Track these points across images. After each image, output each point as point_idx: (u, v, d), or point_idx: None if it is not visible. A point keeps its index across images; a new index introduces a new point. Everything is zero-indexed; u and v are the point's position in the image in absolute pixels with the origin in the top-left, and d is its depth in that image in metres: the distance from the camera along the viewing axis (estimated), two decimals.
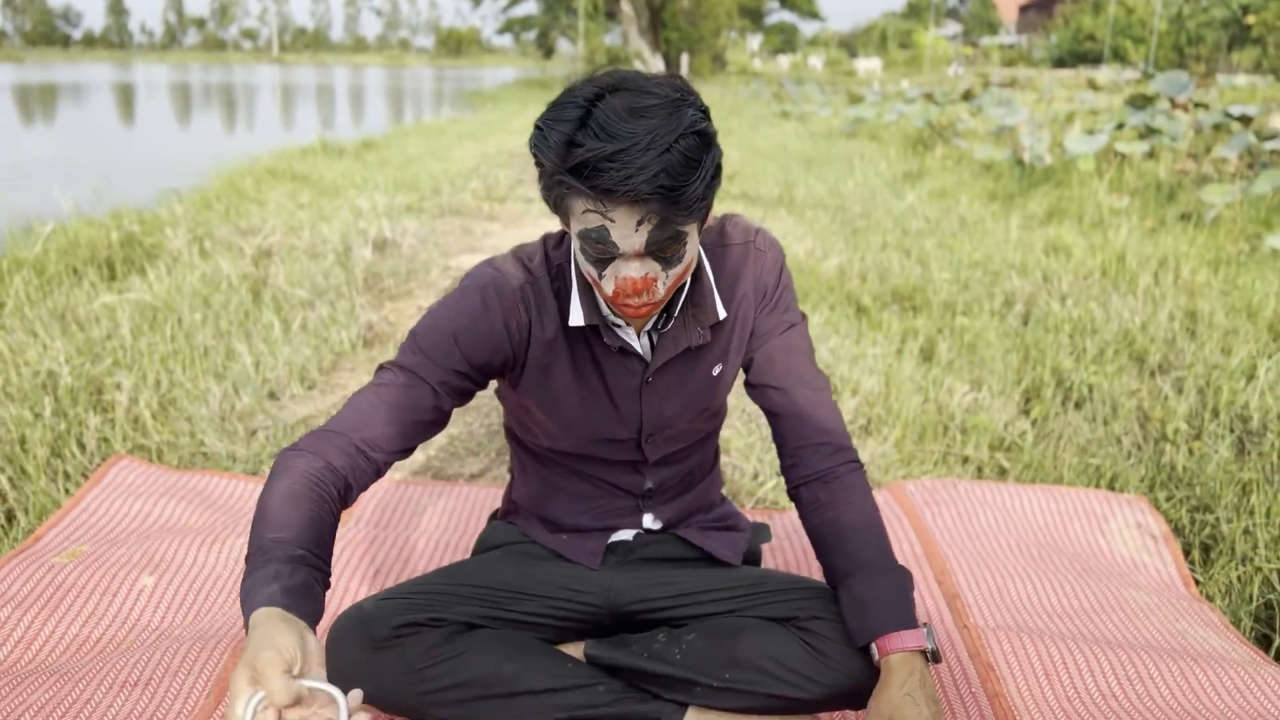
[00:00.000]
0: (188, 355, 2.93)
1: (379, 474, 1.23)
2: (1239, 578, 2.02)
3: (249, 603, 1.01)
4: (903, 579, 1.28)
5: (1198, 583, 2.00)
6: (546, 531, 1.44)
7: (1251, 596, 1.96)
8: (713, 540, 1.46)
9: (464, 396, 1.29)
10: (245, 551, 1.39)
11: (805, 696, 1.29)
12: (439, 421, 1.28)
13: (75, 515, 1.99)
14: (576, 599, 1.38)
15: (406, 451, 1.25)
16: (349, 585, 1.79)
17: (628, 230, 1.10)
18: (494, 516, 1.56)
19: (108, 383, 2.69)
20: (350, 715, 0.92)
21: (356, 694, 0.95)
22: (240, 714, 0.87)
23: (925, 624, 1.24)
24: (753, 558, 1.55)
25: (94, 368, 2.77)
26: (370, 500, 2.12)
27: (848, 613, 1.28)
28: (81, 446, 2.37)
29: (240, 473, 2.30)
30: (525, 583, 1.37)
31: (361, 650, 1.26)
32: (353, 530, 1.97)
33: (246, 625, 0.99)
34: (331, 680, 1.24)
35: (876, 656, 1.23)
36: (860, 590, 1.27)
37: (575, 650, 1.39)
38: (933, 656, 1.23)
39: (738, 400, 2.81)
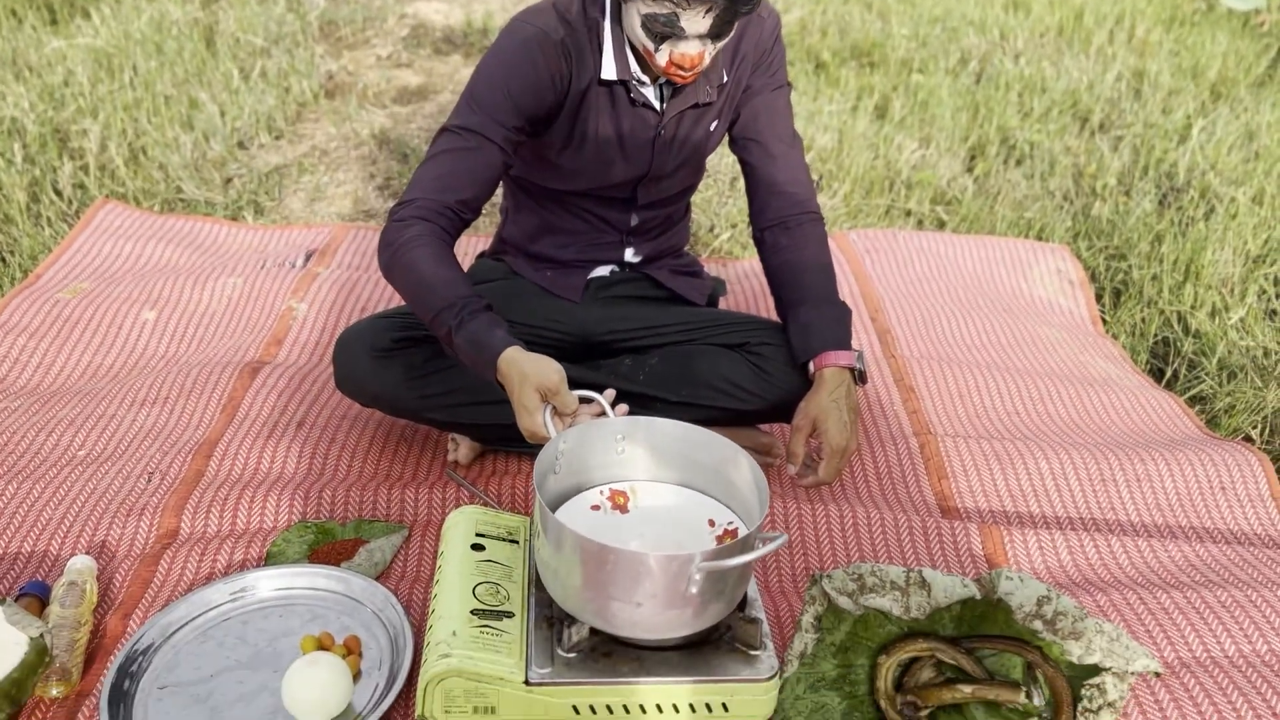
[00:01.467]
0: (150, 104, 2.94)
1: (463, 229, 1.38)
2: (1142, 318, 2.25)
3: (487, 345, 1.24)
4: (843, 311, 1.46)
5: (1105, 322, 2.23)
6: (533, 269, 1.59)
7: (1151, 334, 2.19)
8: (679, 282, 1.63)
9: (520, 148, 1.42)
10: (388, 308, 1.65)
11: (749, 409, 1.50)
12: (504, 173, 1.41)
13: (70, 256, 2.10)
14: (555, 328, 1.55)
15: (481, 207, 1.39)
16: (338, 320, 1.94)
17: (695, 17, 1.23)
18: (482, 256, 1.70)
19: (73, 130, 2.72)
20: (614, 408, 1.22)
21: (610, 393, 1.24)
22: (543, 421, 1.19)
23: (858, 350, 1.43)
24: (711, 302, 1.72)
25: (58, 115, 2.79)
26: (352, 245, 2.25)
27: (792, 334, 1.46)
28: (58, 193, 2.44)
29: (222, 218, 2.40)
30: (510, 312, 1.53)
31: (367, 358, 1.43)
32: (336, 272, 2.11)
33: (488, 362, 1.23)
34: (341, 383, 1.42)
35: (812, 371, 1.43)
36: (805, 316, 1.46)
37: None
38: (859, 377, 1.43)
39: None
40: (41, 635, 1.11)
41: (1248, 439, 1.83)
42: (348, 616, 1.20)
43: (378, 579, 1.28)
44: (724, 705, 1.06)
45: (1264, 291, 2.34)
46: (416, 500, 1.41)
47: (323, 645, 1.15)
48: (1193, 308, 2.26)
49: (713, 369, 1.50)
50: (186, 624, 1.19)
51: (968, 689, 1.10)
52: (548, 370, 1.20)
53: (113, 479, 1.46)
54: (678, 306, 1.63)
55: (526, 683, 1.03)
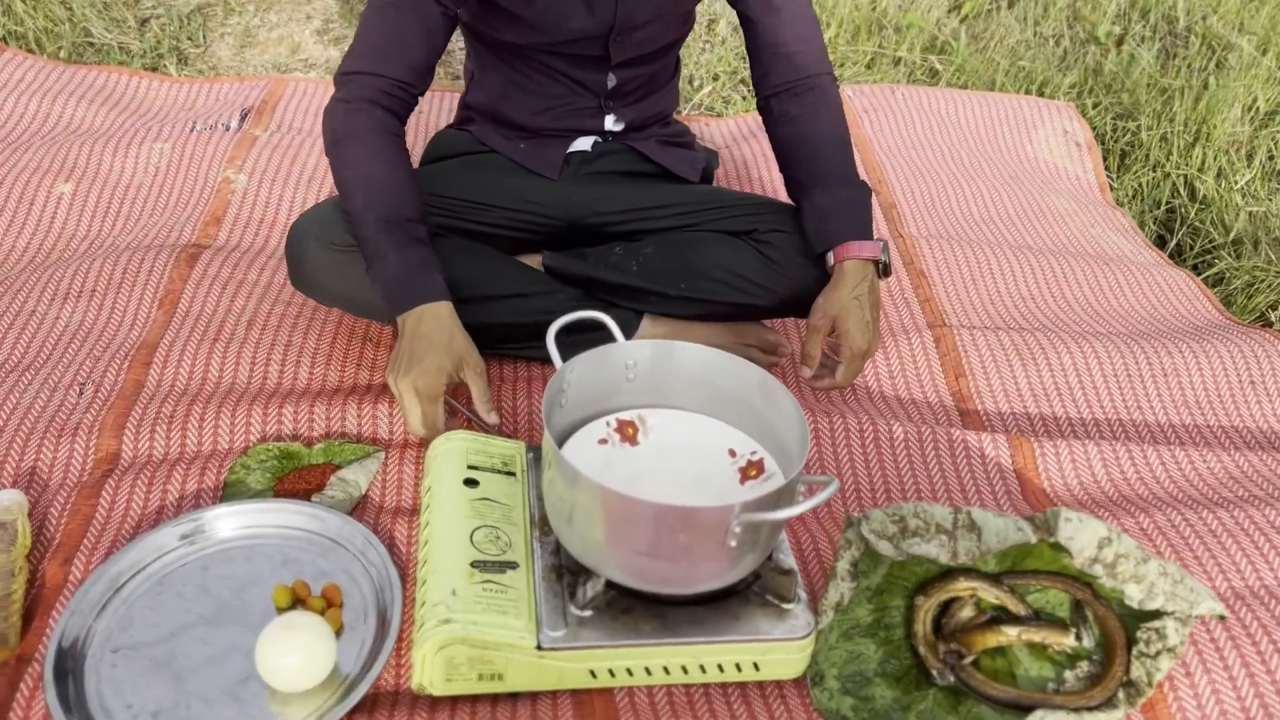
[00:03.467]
0: None
1: (413, 108, 1.26)
2: (1149, 182, 2.12)
3: (416, 288, 1.16)
4: (864, 193, 1.30)
5: (1112, 188, 2.09)
6: (504, 139, 1.40)
7: (1159, 201, 2.07)
8: (669, 155, 1.44)
9: (463, 4, 1.25)
10: (317, 203, 1.40)
11: (757, 303, 1.35)
12: (452, 26, 1.26)
13: None
14: (535, 211, 1.37)
15: (433, 68, 1.26)
16: (282, 193, 1.73)
17: None
18: (447, 128, 1.49)
19: None
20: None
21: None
22: (439, 413, 1.15)
23: (881, 240, 1.28)
24: (706, 179, 1.54)
25: None
26: (291, 102, 2.00)
27: (808, 221, 1.31)
28: None
29: (140, 69, 2.12)
30: (484, 193, 1.35)
31: (323, 252, 1.25)
32: (276, 135, 1.88)
33: (402, 305, 1.16)
34: (297, 281, 1.25)
35: (831, 263, 1.28)
36: (822, 200, 1.30)
37: (532, 262, 1.41)
38: (884, 270, 1.28)
39: None
40: None
41: (1266, 323, 1.73)
42: (324, 559, 1.07)
43: (352, 513, 1.14)
44: (755, 665, 0.95)
45: (1272, 155, 2.22)
46: (392, 416, 1.25)
47: (298, 596, 1.02)
48: (1200, 170, 2.13)
49: (715, 260, 1.35)
50: (138, 573, 1.05)
51: (1013, 631, 1.01)
52: (475, 353, 1.17)
53: (38, 391, 1.28)
54: (671, 185, 1.45)
55: (539, 648, 0.91)
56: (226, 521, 1.09)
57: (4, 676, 0.96)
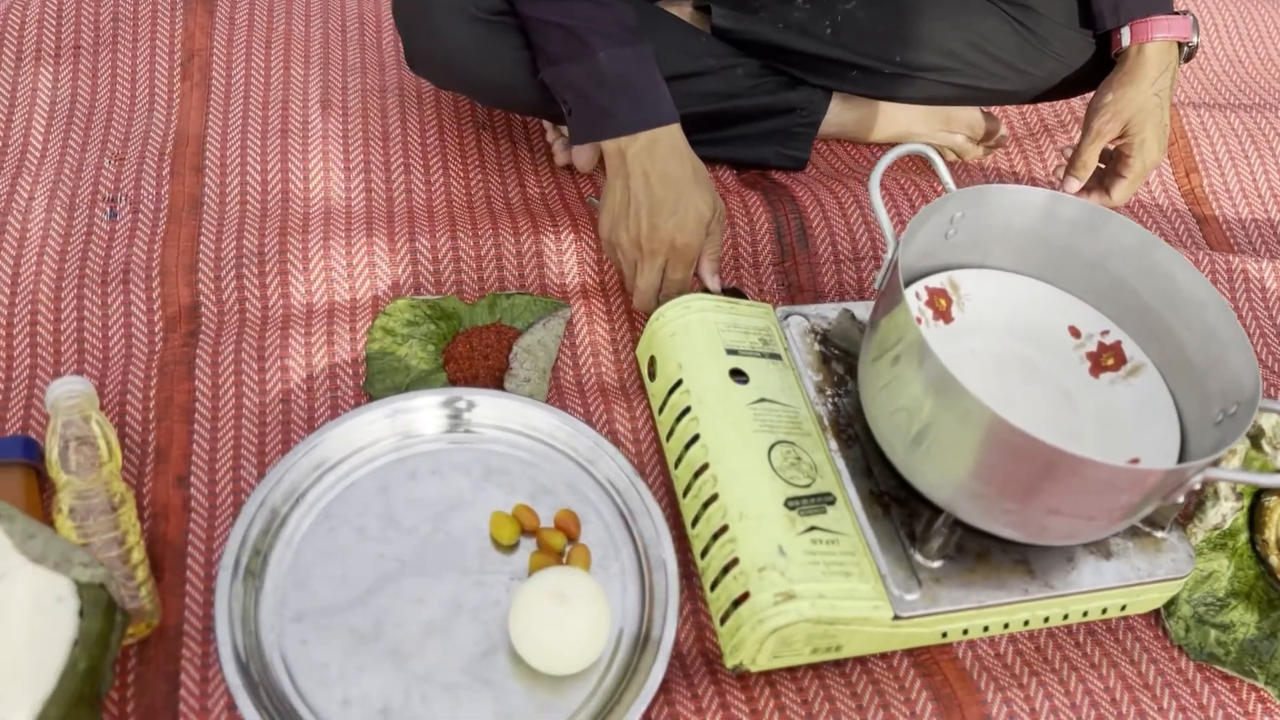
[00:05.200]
0: None
1: None
2: None
3: (643, 102, 0.84)
4: None
5: None
6: None
7: None
8: None
9: None
10: None
11: (1001, 89, 1.06)
12: None
13: None
14: None
15: None
16: None
17: None
18: None
19: None
20: None
21: None
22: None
23: (1189, 13, 0.99)
24: None
25: None
26: None
27: None
28: None
29: None
30: None
31: (465, 26, 0.88)
32: None
33: (620, 126, 0.84)
34: (417, 60, 0.90)
35: (1124, 44, 0.98)
36: None
37: (698, 22, 1.06)
38: (1188, 54, 1.00)
39: None
40: (100, 580, 0.68)
41: None
42: (538, 471, 0.81)
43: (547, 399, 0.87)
44: (1122, 606, 0.78)
45: None
46: (560, 248, 0.95)
47: (525, 528, 0.77)
48: None
49: (952, 27, 1.03)
50: (296, 501, 0.77)
51: None
52: (714, 208, 0.87)
53: (48, 212, 0.92)
54: None
55: (895, 619, 0.71)
56: (394, 421, 0.81)
57: (154, 666, 0.70)
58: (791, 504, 0.72)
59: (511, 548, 0.77)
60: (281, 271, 0.90)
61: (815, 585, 0.69)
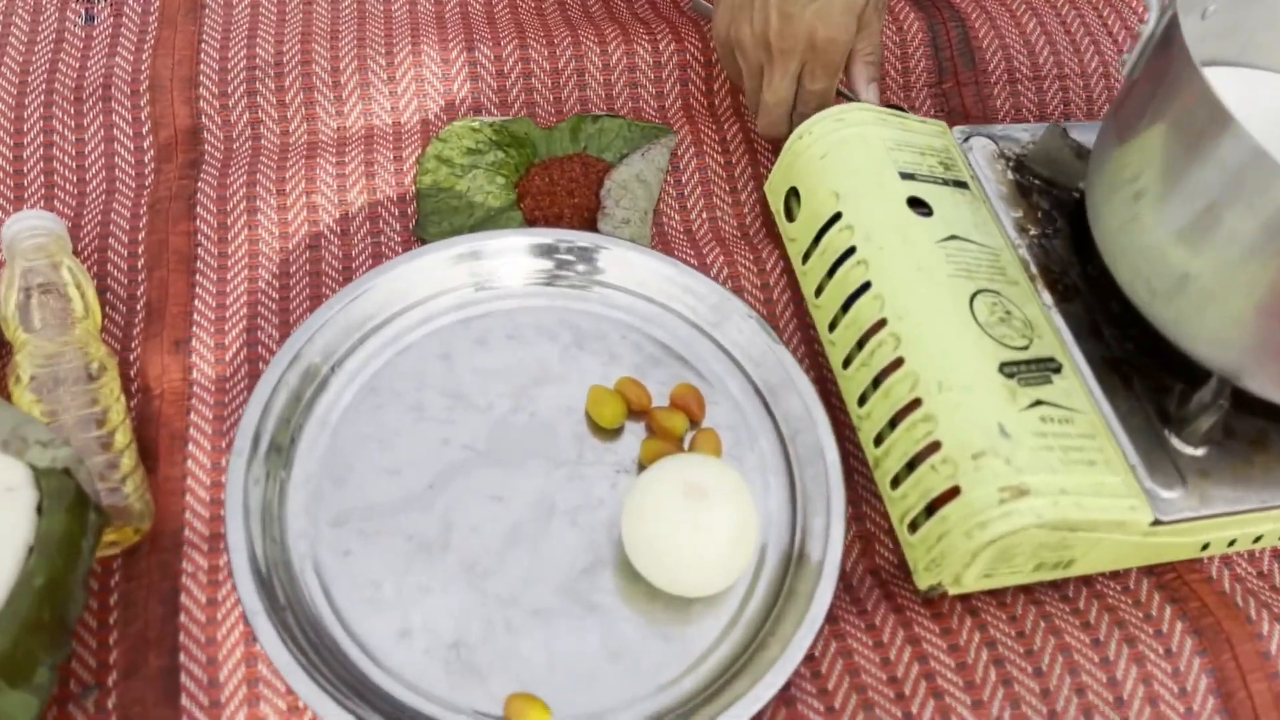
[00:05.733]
0: None
1: None
2: None
3: None
4: None
5: None
6: None
7: None
8: None
9: None
10: None
11: None
12: None
13: None
14: None
15: None
16: None
17: None
18: None
19: None
20: None
21: None
22: None
23: None
24: None
25: None
26: None
27: None
28: None
29: None
30: None
31: None
32: None
33: None
34: None
35: None
36: None
37: None
38: None
39: None
40: (65, 464, 0.49)
41: None
42: (645, 337, 0.62)
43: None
44: None
45: None
46: (659, 59, 0.74)
47: (633, 407, 0.58)
48: None
49: None
50: (334, 369, 0.58)
51: None
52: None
53: (19, 10, 0.72)
54: None
55: (1155, 523, 0.51)
56: (457, 269, 0.62)
57: (145, 584, 0.52)
58: (1008, 370, 0.53)
59: (616, 432, 0.58)
60: (306, 86, 0.70)
61: (1053, 477, 0.49)
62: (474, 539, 0.54)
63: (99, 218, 0.65)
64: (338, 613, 0.51)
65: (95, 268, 0.63)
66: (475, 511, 0.55)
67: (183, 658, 0.50)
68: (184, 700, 0.49)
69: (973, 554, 0.50)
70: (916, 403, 0.53)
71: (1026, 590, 0.55)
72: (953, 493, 0.50)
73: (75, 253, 0.63)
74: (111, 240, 0.64)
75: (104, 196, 0.66)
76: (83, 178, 0.66)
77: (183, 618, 0.51)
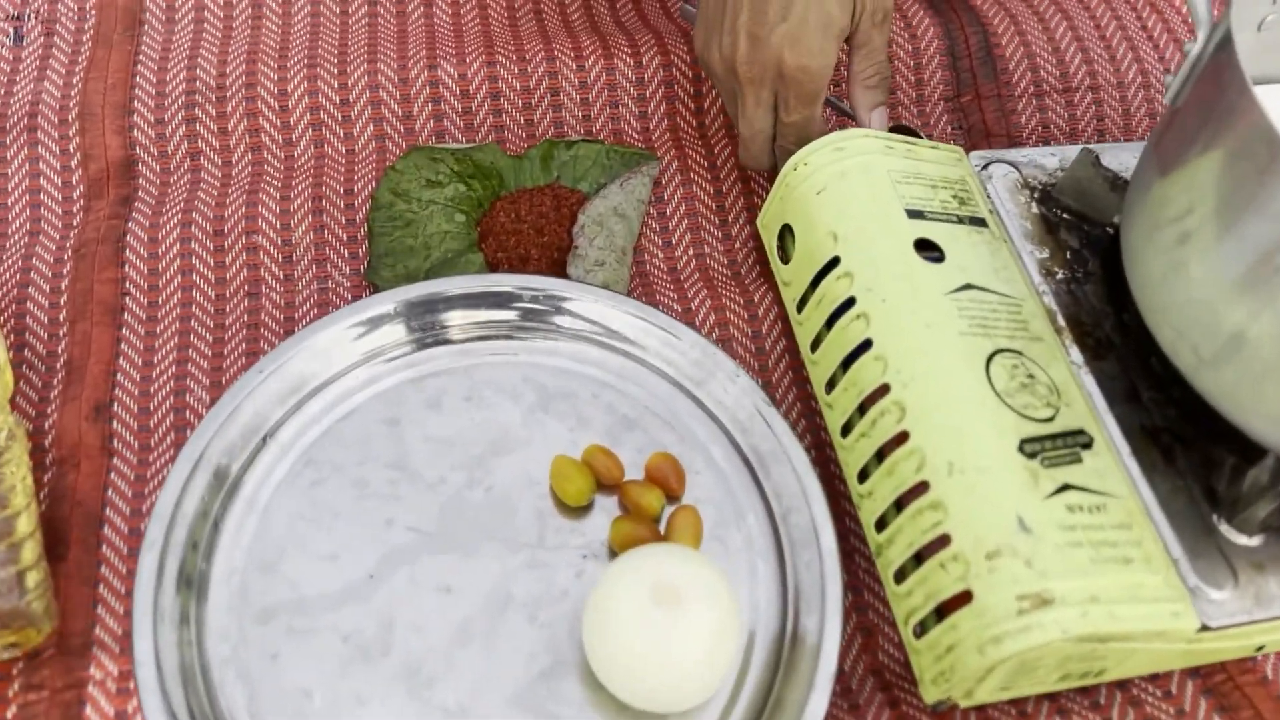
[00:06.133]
0: None
1: None
2: None
3: None
4: None
5: None
6: None
7: None
8: None
9: None
10: None
11: None
12: None
13: None
14: None
15: None
16: None
17: None
18: None
19: None
20: None
21: None
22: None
23: None
24: None
25: None
26: None
27: None
28: None
29: None
30: None
31: None
32: None
33: None
34: None
35: None
36: None
37: None
38: None
39: None
40: None
41: None
42: (619, 396, 0.55)
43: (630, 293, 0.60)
44: None
45: None
46: (642, 75, 0.67)
47: (602, 480, 0.51)
48: None
49: None
50: (265, 440, 0.52)
51: None
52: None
53: None
54: None
55: (1203, 629, 0.44)
56: (408, 322, 0.55)
57: (47, 696, 0.46)
58: (1030, 448, 0.46)
59: (583, 510, 0.51)
60: (250, 111, 0.63)
61: (1082, 581, 0.42)
62: (417, 639, 0.47)
63: (19, 264, 0.58)
64: None
65: (12, 320, 0.57)
66: (420, 605, 0.48)
67: None
68: None
69: (987, 670, 0.42)
70: (923, 486, 0.46)
71: (1052, 699, 0.48)
72: (964, 597, 0.43)
73: None
74: (32, 290, 0.58)
75: (26, 239, 0.59)
76: (4, 217, 0.60)
77: None
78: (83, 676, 0.46)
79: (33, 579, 0.47)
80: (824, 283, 0.52)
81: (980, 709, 0.47)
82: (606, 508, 0.51)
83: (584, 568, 0.50)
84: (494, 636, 0.48)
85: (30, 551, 0.47)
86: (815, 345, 0.53)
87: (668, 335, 0.55)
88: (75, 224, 0.60)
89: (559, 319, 0.56)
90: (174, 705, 0.43)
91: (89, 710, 0.46)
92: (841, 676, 0.49)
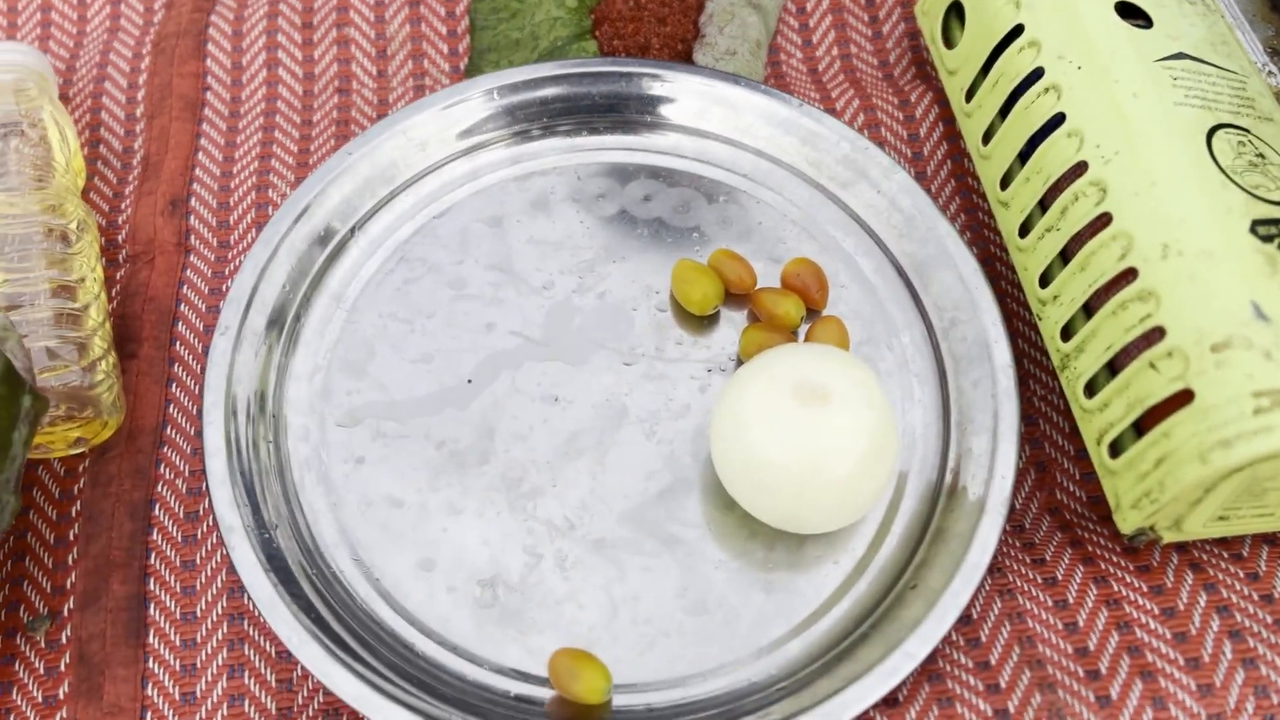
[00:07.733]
0: None
1: None
2: None
3: None
4: None
5: None
6: None
7: None
8: None
9: None
10: None
11: None
12: None
13: None
14: None
15: None
16: None
17: None
18: None
19: None
20: None
21: None
22: None
23: None
24: None
25: None
26: None
27: None
28: None
29: None
30: None
31: None
32: None
33: None
34: None
35: None
36: None
37: None
38: None
39: None
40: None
41: None
42: (751, 199, 0.48)
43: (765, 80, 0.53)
44: None
45: None
46: None
47: (730, 285, 0.44)
48: None
49: None
50: (353, 231, 0.46)
51: None
52: None
53: None
54: None
55: None
56: (512, 111, 0.49)
57: (113, 490, 0.42)
58: (1265, 230, 0.37)
59: (708, 320, 0.45)
60: None
61: None
62: (520, 449, 0.41)
63: (97, 59, 0.54)
64: (346, 537, 0.40)
65: (88, 116, 0.52)
66: (524, 415, 0.42)
67: (152, 584, 0.40)
68: (150, 637, 0.39)
69: (1207, 486, 0.35)
70: (1129, 274, 0.38)
71: (1272, 541, 0.40)
72: (1181, 399, 0.35)
73: (66, 99, 0.52)
74: (108, 85, 0.53)
75: (105, 35, 0.55)
76: (84, 15, 0.56)
77: (155, 535, 0.41)
78: (153, 475, 0.42)
79: (102, 370, 0.42)
80: (1003, 58, 0.44)
81: (1184, 549, 0.40)
82: (735, 320, 0.45)
83: (709, 382, 0.43)
84: (606, 451, 0.42)
85: (101, 341, 0.43)
86: (988, 138, 0.45)
87: (812, 127, 0.47)
88: (156, 20, 0.55)
89: (682, 111, 0.49)
90: (244, 499, 0.38)
91: (157, 510, 0.41)
92: (1013, 513, 0.41)
